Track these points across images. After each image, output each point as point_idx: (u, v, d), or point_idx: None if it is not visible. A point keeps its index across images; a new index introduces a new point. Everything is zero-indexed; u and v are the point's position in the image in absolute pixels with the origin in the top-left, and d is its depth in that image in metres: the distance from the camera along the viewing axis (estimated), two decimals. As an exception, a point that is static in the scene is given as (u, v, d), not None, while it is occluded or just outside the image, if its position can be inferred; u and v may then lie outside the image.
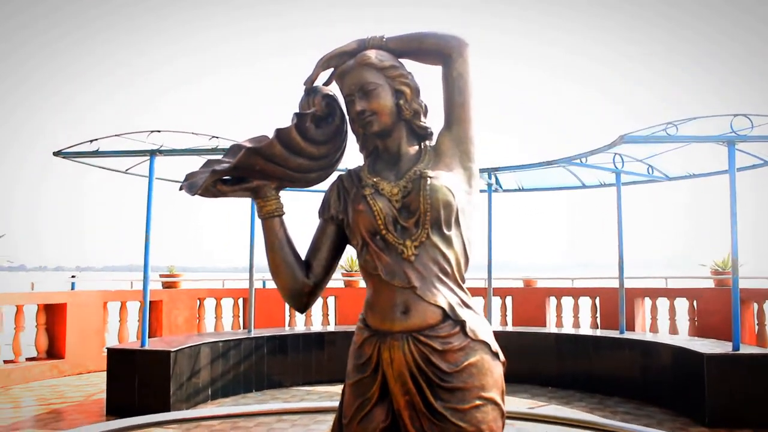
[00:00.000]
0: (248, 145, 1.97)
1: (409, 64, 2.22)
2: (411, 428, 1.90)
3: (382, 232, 1.97)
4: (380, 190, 2.02)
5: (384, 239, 1.97)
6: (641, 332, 9.76)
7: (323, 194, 2.22)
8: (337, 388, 8.35)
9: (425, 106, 2.16)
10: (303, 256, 2.11)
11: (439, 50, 2.09)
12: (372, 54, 2.08)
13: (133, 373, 6.90)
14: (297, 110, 2.11)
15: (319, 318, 11.72)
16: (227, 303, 12.01)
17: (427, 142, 2.14)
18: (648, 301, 10.71)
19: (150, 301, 10.39)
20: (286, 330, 9.35)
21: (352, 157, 2.36)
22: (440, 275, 1.94)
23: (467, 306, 1.97)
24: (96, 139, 7.51)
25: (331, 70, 2.18)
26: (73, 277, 10.14)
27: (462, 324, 1.92)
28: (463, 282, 2.02)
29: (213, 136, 7.59)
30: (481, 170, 9.18)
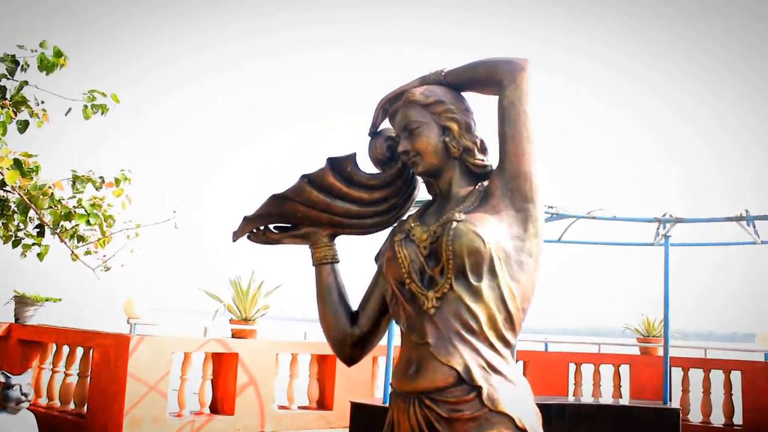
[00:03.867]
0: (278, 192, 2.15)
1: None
2: None
3: (407, 281, 1.98)
4: (411, 236, 2.04)
5: (409, 289, 1.98)
6: None
7: None
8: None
9: (480, 141, 2.13)
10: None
11: (490, 78, 2.08)
12: (418, 91, 2.13)
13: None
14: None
15: (609, 389, 11.15)
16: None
17: (485, 183, 2.10)
18: None
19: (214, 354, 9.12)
20: (571, 400, 9.13)
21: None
22: (462, 332, 1.88)
23: (495, 370, 1.86)
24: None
25: None
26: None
27: (478, 390, 1.82)
28: (504, 343, 1.91)
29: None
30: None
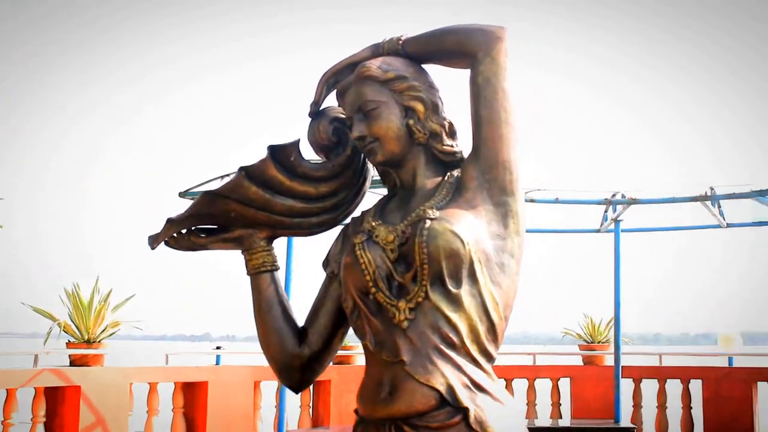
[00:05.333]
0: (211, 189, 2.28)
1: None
2: None
3: (372, 291, 2.14)
4: (374, 238, 2.19)
5: (375, 299, 2.14)
6: None
7: None
8: None
9: (449, 124, 2.30)
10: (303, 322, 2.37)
11: (461, 50, 2.25)
12: (374, 64, 2.28)
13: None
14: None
15: (546, 408, 11.68)
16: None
17: (455, 172, 2.28)
18: None
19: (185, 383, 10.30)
20: None
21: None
22: (441, 347, 2.05)
23: (481, 389, 2.06)
24: (227, 175, 8.39)
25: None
26: (218, 348, 11.17)
27: (464, 412, 2.01)
28: (487, 356, 2.12)
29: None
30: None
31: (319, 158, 2.42)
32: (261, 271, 2.33)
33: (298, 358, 2.30)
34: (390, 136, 2.24)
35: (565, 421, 10.64)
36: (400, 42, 2.33)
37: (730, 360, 11.60)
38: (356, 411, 2.21)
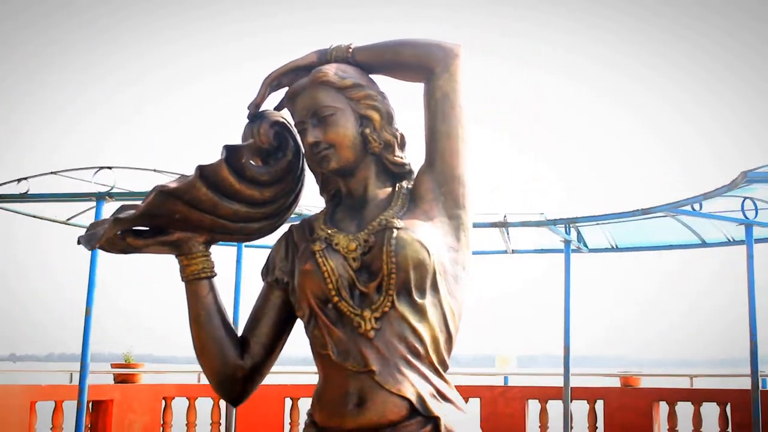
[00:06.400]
0: (165, 186, 2.16)
1: (386, 82, 2.41)
2: None
3: (334, 300, 2.12)
4: (334, 246, 2.18)
5: (337, 308, 2.12)
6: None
7: (269, 250, 2.40)
8: None
9: (401, 135, 2.33)
10: (240, 332, 2.29)
11: (418, 63, 2.28)
12: (331, 70, 2.26)
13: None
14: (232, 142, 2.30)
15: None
16: (204, 405, 12.19)
17: (405, 183, 2.31)
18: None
19: (94, 402, 10.60)
20: None
21: (316, 201, 2.54)
22: (409, 357, 2.07)
23: (445, 398, 2.10)
24: (25, 178, 7.88)
25: (286, 90, 2.38)
26: (-7, 365, 10.43)
27: (435, 421, 2.04)
28: (445, 367, 2.15)
29: (182, 175, 7.90)
30: (557, 222, 9.34)
31: (255, 163, 2.36)
32: (200, 278, 2.23)
33: (240, 369, 2.23)
34: (345, 143, 2.24)
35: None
36: (350, 50, 2.33)
37: (506, 379, 12.39)
38: (312, 423, 2.16)
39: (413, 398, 2.04)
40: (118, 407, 11.01)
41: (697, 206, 8.52)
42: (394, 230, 2.12)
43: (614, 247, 10.81)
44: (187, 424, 11.40)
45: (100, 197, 7.84)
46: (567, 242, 9.77)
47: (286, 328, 2.30)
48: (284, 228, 2.41)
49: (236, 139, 2.31)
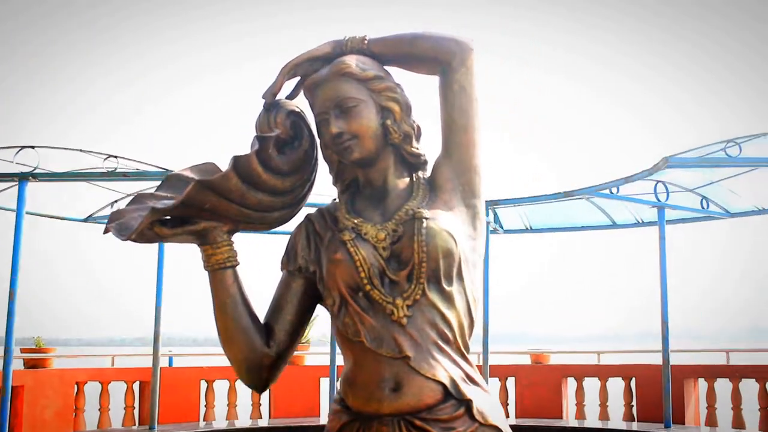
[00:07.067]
0: (195, 176, 2.17)
1: (397, 73, 2.46)
2: None
3: (366, 288, 2.18)
4: (363, 235, 2.23)
5: (368, 297, 2.18)
6: (694, 425, 10.05)
7: (288, 237, 2.43)
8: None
9: (417, 127, 2.40)
10: (262, 319, 2.32)
11: (435, 57, 2.34)
12: (352, 61, 2.31)
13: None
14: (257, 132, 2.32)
15: (247, 409, 11.76)
16: (118, 388, 12.00)
17: (420, 173, 2.39)
18: (703, 383, 11.06)
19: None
20: (202, 426, 9.41)
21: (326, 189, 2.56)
22: (440, 342, 2.16)
23: (473, 382, 2.20)
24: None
25: (298, 79, 2.41)
26: None
27: (468, 404, 2.14)
28: (468, 351, 2.25)
29: (109, 155, 7.76)
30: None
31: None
32: (225, 267, 2.25)
33: (267, 356, 2.26)
34: (368, 134, 2.29)
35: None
36: (365, 41, 2.37)
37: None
38: (343, 407, 2.22)
39: (447, 382, 2.13)
40: (29, 393, 10.73)
41: (615, 190, 8.86)
42: (424, 220, 2.19)
43: (529, 228, 11.11)
44: (100, 409, 11.20)
45: (23, 177, 7.63)
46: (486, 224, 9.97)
47: (308, 315, 2.35)
48: (298, 218, 2.45)
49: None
